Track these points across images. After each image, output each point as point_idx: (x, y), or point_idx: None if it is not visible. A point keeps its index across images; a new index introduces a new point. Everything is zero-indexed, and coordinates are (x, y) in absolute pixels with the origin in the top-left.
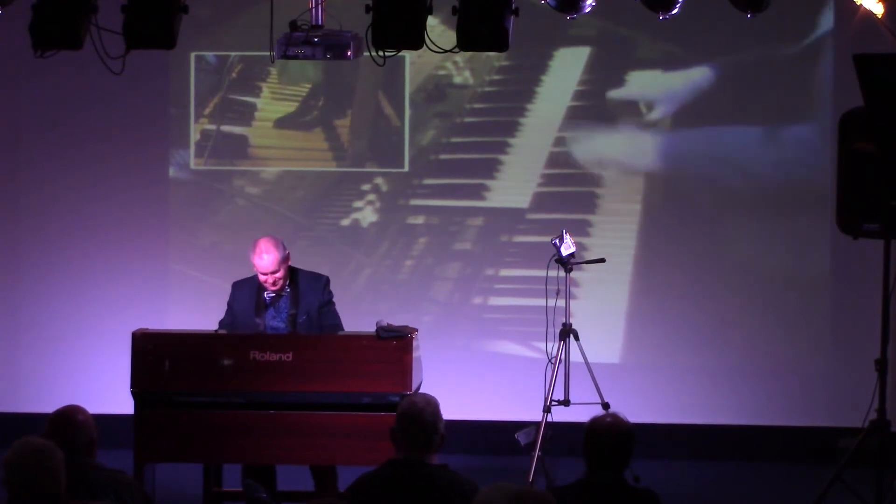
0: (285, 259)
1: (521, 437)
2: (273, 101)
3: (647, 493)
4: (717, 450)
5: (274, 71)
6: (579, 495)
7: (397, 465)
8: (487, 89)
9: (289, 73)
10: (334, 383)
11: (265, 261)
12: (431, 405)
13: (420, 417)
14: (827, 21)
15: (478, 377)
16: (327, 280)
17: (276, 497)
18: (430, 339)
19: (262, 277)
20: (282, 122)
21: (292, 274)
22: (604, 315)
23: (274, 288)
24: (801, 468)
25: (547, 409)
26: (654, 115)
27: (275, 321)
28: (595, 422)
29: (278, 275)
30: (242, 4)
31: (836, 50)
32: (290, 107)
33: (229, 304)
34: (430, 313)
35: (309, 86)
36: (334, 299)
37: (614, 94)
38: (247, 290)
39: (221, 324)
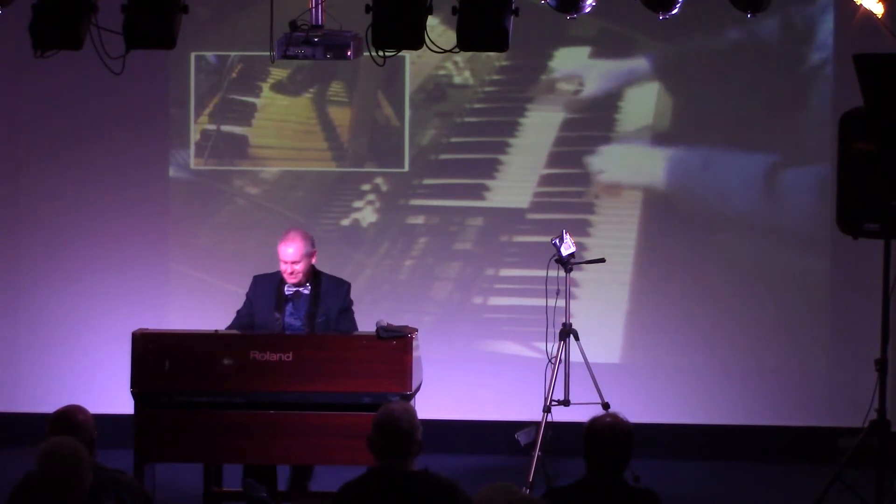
0: (309, 254)
1: (521, 437)
2: (273, 101)
3: (647, 494)
4: (717, 450)
5: (274, 71)
6: (579, 496)
7: (378, 475)
8: (487, 89)
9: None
10: (334, 383)
11: (289, 248)
12: (408, 412)
13: (397, 426)
14: (827, 21)
15: (478, 377)
16: (349, 287)
17: (277, 497)
18: (430, 339)
19: (282, 266)
20: (278, 87)
21: (315, 275)
22: (604, 315)
23: (292, 280)
24: (801, 468)
25: (547, 409)
26: (655, 115)
27: (291, 318)
28: (595, 422)
29: (298, 267)
30: (242, 4)
31: (836, 50)
32: (289, 105)
33: (248, 296)
34: (430, 313)
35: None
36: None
37: (614, 94)
38: (268, 284)
39: (240, 314)
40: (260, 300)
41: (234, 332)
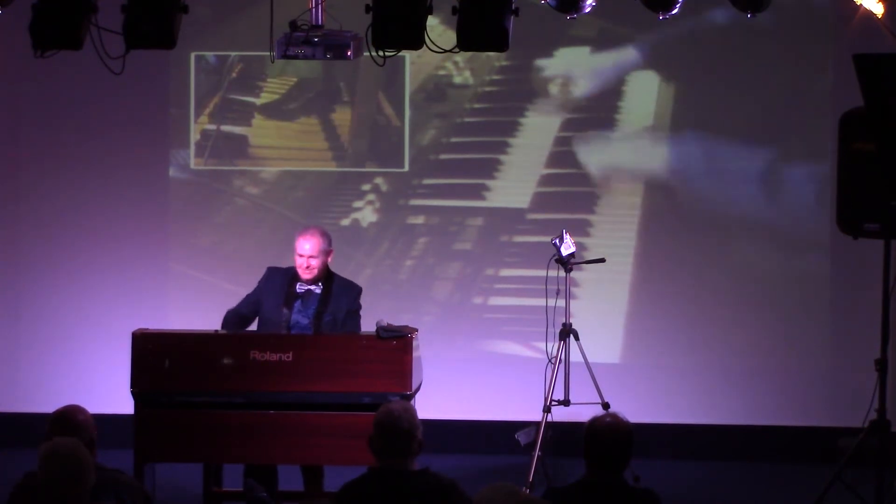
0: (326, 252)
1: (521, 437)
2: (273, 100)
3: (647, 494)
4: (717, 450)
5: (274, 71)
6: (579, 496)
7: (379, 474)
8: (487, 89)
9: (288, 72)
10: (334, 383)
11: (307, 243)
12: (408, 412)
13: (397, 425)
14: (827, 21)
15: (478, 377)
16: (360, 291)
17: (277, 497)
18: (430, 339)
19: (298, 261)
20: (267, 110)
21: (329, 275)
22: (604, 315)
23: (308, 275)
24: (801, 468)
25: (547, 409)
26: (655, 116)
27: (300, 315)
28: (595, 422)
29: (315, 262)
30: (242, 4)
31: (836, 50)
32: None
33: (260, 284)
34: (430, 313)
35: (295, 79)
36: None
37: (614, 94)
38: (280, 278)
39: (248, 298)
40: (270, 294)
41: (234, 332)
